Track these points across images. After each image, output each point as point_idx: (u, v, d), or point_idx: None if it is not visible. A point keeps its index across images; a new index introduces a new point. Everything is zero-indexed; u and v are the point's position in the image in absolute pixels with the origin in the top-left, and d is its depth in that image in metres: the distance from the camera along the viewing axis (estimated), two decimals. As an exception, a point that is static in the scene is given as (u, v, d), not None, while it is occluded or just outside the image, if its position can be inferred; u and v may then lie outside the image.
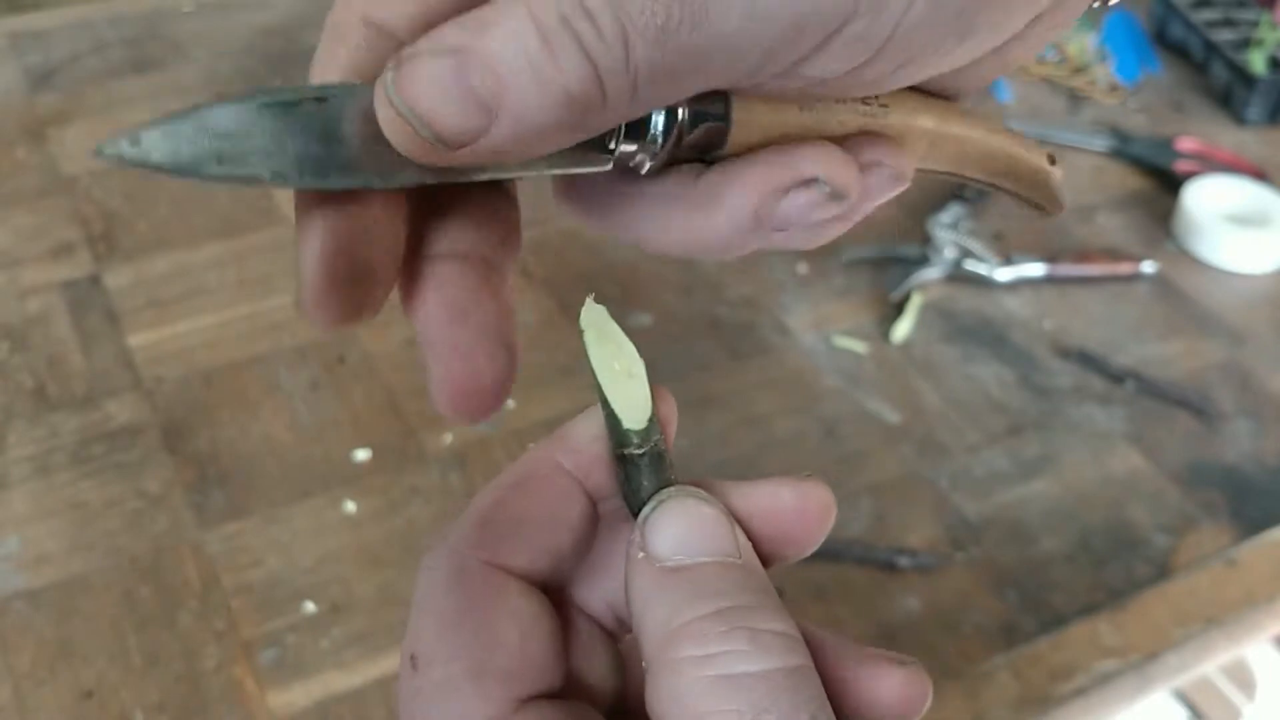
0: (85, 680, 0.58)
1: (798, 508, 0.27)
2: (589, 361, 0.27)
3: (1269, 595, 0.67)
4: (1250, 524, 0.71)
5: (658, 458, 0.27)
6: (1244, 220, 0.92)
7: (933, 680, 0.26)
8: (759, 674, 0.23)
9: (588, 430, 0.28)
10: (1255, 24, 1.11)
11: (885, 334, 0.82)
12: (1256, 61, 1.08)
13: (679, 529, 0.26)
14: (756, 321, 0.83)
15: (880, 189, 0.27)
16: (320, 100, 0.23)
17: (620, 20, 0.21)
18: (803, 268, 0.87)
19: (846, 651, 0.26)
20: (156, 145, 0.22)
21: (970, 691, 0.60)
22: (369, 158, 0.24)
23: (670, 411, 0.28)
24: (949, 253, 0.87)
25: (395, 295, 0.26)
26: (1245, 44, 1.10)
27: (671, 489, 0.27)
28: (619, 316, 0.27)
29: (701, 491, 0.27)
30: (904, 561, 0.66)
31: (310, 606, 0.62)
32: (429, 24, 0.23)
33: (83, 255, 0.84)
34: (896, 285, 0.85)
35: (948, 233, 0.88)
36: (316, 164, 0.23)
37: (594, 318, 0.27)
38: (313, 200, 0.24)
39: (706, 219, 0.25)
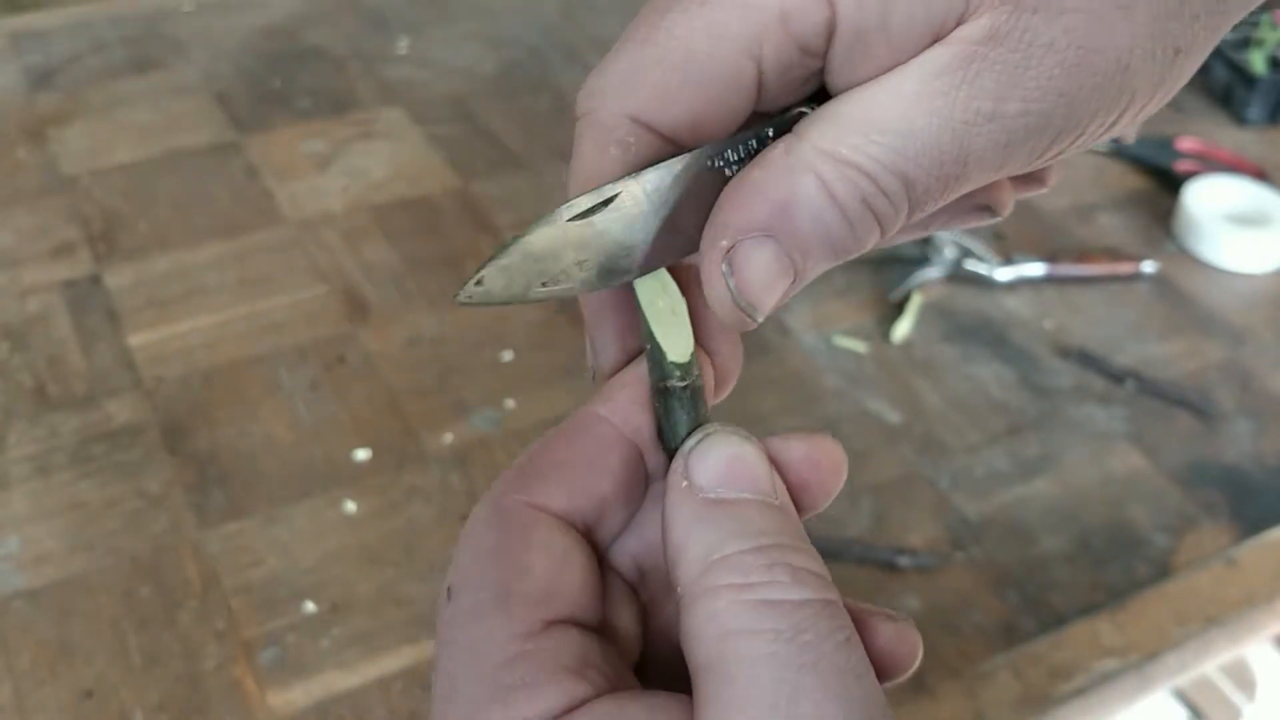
0: (85, 680, 0.58)
1: (810, 458, 0.28)
2: (635, 298, 0.28)
3: (1269, 595, 0.67)
4: (1250, 524, 0.71)
5: (696, 393, 0.28)
6: (1244, 220, 0.92)
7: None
8: (798, 601, 0.24)
9: (621, 377, 0.29)
10: (1255, 24, 1.11)
11: (885, 334, 0.82)
12: (1256, 61, 1.08)
13: (723, 463, 0.27)
14: (756, 321, 0.83)
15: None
16: (608, 203, 0.26)
17: (909, 193, 0.24)
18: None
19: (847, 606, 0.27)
20: (495, 280, 0.26)
21: (970, 691, 0.60)
22: (656, 250, 0.27)
23: (709, 369, 0.30)
24: (949, 252, 0.87)
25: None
26: (1245, 44, 1.10)
27: (714, 424, 0.28)
28: None
29: (743, 430, 0.28)
30: (904, 561, 0.66)
31: (310, 606, 0.62)
32: (698, 126, 0.26)
33: (83, 255, 0.84)
34: (896, 285, 0.85)
35: (948, 232, 0.88)
36: (615, 269, 0.26)
37: None
38: (601, 296, 0.28)
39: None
